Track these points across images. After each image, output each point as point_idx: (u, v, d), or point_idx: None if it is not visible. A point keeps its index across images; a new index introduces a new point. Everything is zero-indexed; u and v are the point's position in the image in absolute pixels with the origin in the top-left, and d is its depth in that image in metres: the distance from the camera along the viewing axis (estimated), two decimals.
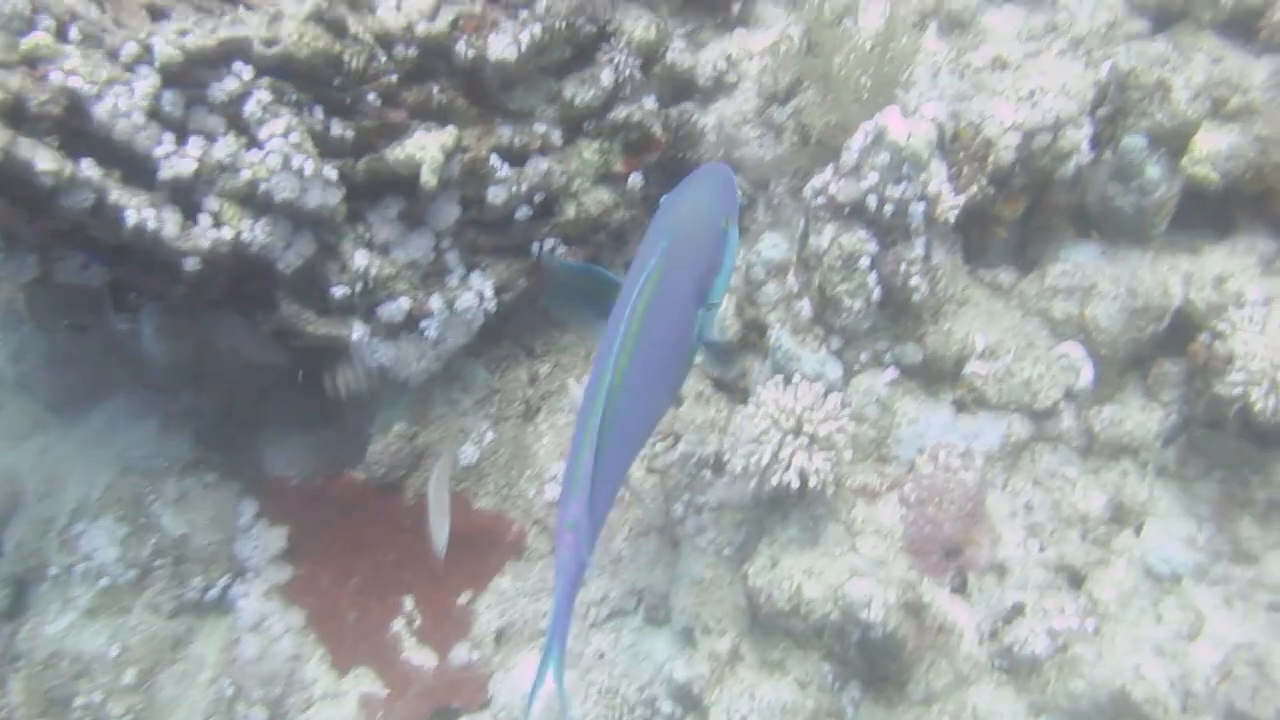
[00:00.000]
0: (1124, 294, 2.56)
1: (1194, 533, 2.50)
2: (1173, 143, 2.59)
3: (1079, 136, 2.59)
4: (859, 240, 2.48)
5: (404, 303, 2.53)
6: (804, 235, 2.63)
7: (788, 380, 2.42)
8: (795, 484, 2.30)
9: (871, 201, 2.44)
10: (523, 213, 2.61)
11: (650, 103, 2.62)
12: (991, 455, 2.53)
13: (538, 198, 2.61)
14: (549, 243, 2.68)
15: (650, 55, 2.60)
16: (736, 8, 3.08)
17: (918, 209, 2.45)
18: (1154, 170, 2.58)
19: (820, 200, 2.54)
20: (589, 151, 2.63)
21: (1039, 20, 2.97)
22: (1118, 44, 2.72)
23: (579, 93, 2.54)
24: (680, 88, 2.93)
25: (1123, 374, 2.63)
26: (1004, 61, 2.79)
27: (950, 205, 2.49)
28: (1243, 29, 2.70)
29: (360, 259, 2.43)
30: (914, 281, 2.48)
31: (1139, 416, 2.53)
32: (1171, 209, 2.62)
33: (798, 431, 2.33)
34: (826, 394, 2.38)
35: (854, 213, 2.50)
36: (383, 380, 2.66)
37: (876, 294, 2.50)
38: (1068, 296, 2.61)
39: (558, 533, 1.88)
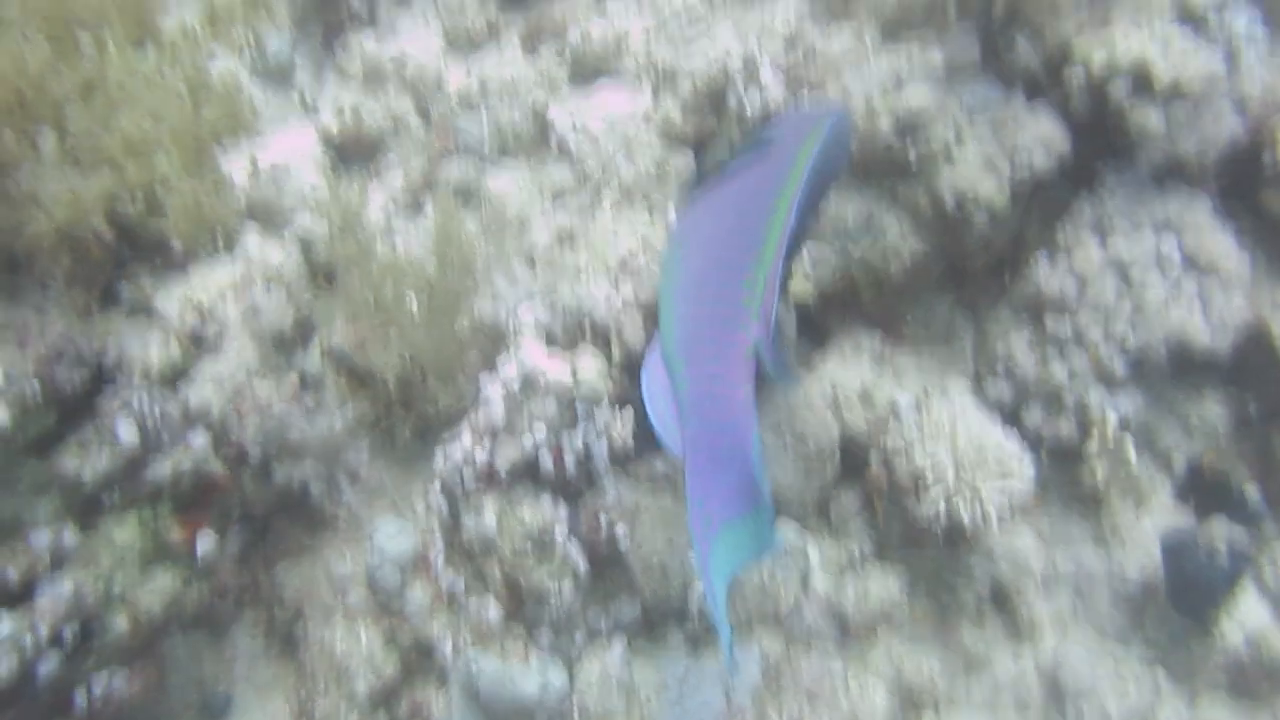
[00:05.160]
0: (793, 442, 2.33)
1: None
2: None
3: None
4: (543, 511, 1.93)
5: None
6: (451, 517, 2.02)
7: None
8: None
9: (545, 460, 1.92)
10: (48, 666, 1.63)
11: (198, 439, 1.77)
12: (757, 692, 2.15)
13: (68, 631, 1.65)
14: (100, 680, 1.72)
15: (177, 377, 1.76)
16: (178, 245, 2.29)
17: (601, 448, 1.97)
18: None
19: (467, 473, 1.95)
20: (124, 532, 1.71)
21: (558, 175, 2.62)
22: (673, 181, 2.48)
23: (86, 464, 1.63)
24: None
25: (806, 522, 2.42)
26: (569, 233, 2.40)
27: (621, 427, 2.04)
28: None
29: None
30: (619, 530, 2.00)
31: (877, 576, 2.31)
32: (795, 341, 2.45)
33: None
34: None
35: (519, 477, 1.95)
36: None
37: (583, 566, 1.97)
38: None
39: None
